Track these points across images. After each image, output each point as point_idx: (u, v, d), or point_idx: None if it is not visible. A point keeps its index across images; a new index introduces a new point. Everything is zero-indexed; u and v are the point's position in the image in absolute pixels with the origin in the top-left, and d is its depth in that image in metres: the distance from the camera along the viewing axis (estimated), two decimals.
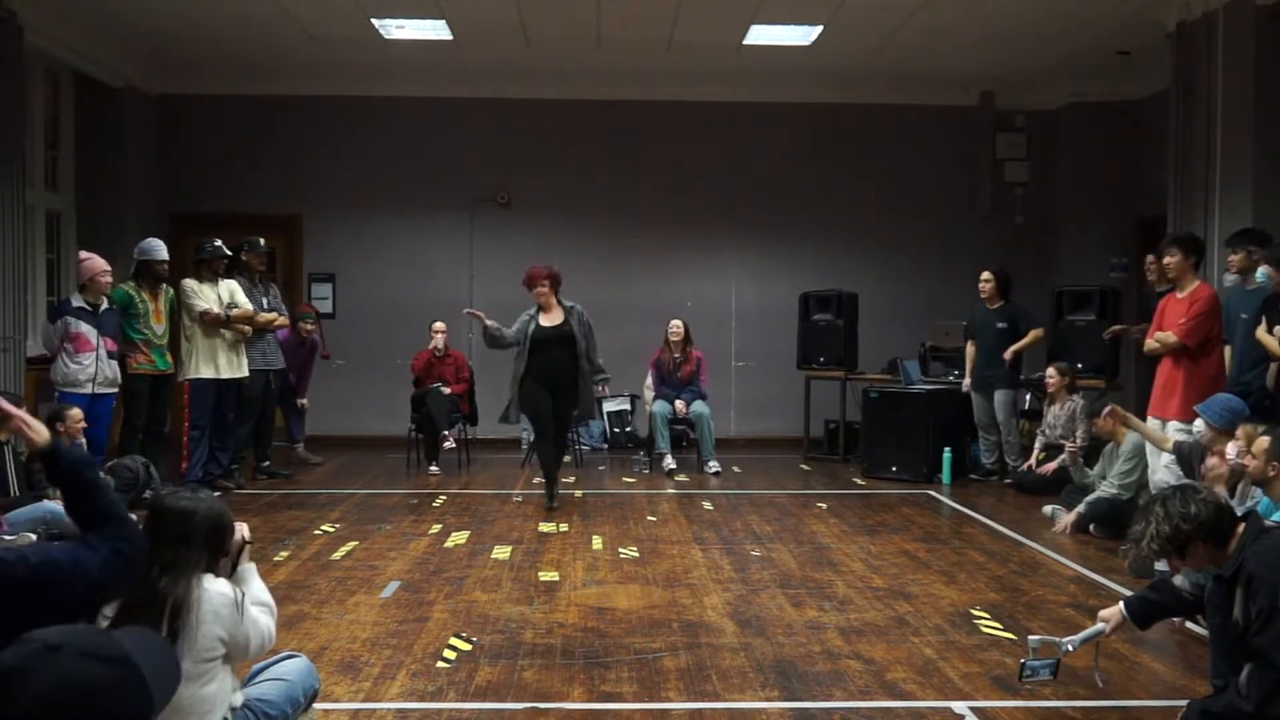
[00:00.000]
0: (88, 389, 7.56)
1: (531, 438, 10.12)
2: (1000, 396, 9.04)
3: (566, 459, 9.40)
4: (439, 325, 9.77)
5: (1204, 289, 6.38)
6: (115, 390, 7.83)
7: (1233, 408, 5.42)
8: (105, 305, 7.81)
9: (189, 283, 8.34)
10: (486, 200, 11.53)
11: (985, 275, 9.27)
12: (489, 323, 7.61)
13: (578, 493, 8.56)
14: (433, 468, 9.46)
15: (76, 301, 7.74)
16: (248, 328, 8.49)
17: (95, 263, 7.81)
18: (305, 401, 10.19)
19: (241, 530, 3.17)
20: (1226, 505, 3.52)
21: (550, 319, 7.79)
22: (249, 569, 3.21)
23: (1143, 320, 7.90)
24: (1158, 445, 6.23)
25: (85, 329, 7.63)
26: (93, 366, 7.61)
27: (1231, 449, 4.89)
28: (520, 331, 7.74)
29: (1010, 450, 9.07)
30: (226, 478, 8.49)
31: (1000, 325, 9.08)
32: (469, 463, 9.88)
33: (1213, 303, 6.31)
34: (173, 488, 7.41)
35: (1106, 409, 6.62)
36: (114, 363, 7.79)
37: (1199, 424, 5.67)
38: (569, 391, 7.79)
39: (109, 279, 7.82)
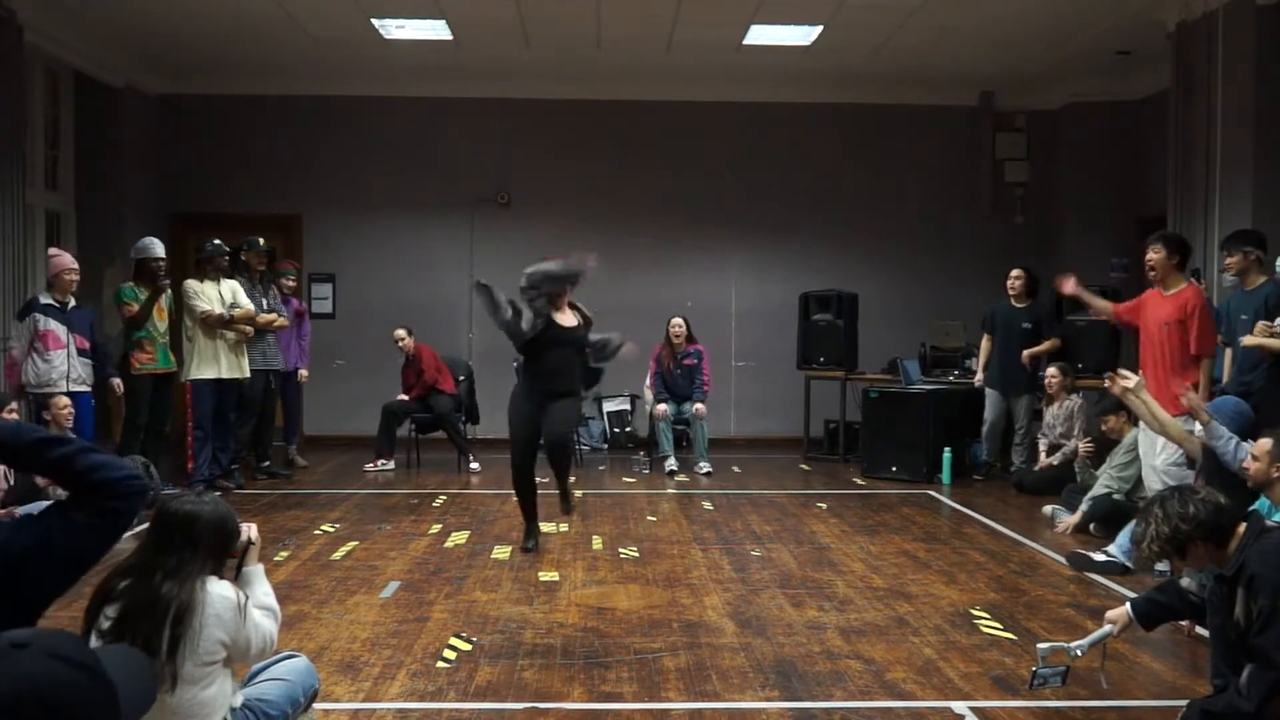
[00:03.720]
0: (62, 387, 7.37)
1: None
2: (1024, 402, 9.03)
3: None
4: (399, 333, 9.70)
5: (1190, 290, 6.44)
6: (89, 388, 7.65)
7: (1243, 411, 5.43)
8: (73, 304, 7.66)
9: (191, 283, 8.32)
10: (486, 200, 11.53)
11: (1016, 272, 9.23)
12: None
13: (578, 493, 8.55)
14: (473, 465, 9.44)
15: (45, 299, 7.56)
16: (250, 328, 8.48)
17: (62, 260, 7.67)
18: (305, 374, 9.79)
19: (249, 531, 3.17)
20: (1226, 505, 3.51)
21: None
22: (256, 571, 3.20)
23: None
24: (1160, 427, 6.00)
25: (55, 326, 7.45)
26: (64, 364, 7.43)
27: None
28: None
29: (1021, 452, 9.05)
30: (226, 478, 8.48)
31: (1026, 325, 9.06)
32: (469, 463, 9.86)
33: (1204, 300, 6.47)
34: (175, 489, 7.45)
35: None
36: (86, 361, 7.60)
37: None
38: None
39: (74, 277, 7.63)
